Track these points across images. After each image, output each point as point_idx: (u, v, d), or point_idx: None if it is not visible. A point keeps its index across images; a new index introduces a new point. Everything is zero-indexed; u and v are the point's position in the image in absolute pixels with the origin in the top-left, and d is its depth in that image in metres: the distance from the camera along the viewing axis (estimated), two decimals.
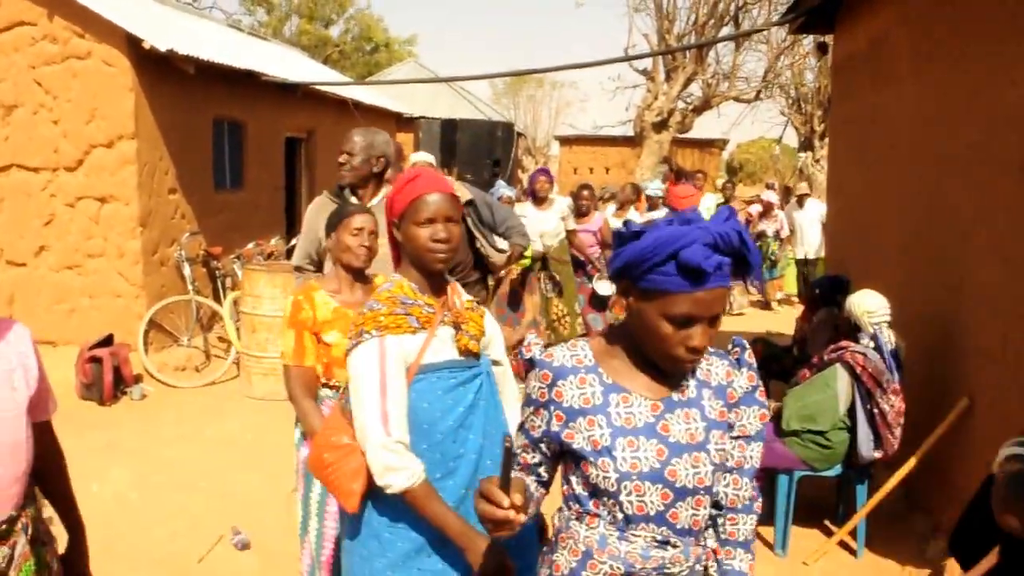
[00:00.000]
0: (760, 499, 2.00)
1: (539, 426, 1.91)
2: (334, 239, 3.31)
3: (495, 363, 2.56)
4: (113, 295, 8.10)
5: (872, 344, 4.53)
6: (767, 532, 4.79)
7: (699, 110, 20.25)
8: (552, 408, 1.88)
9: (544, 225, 7.95)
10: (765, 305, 13.51)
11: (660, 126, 19.39)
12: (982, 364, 4.26)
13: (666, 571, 1.84)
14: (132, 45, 7.80)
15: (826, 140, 18.54)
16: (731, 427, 1.92)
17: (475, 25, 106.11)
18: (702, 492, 1.84)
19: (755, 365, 1.99)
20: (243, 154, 10.43)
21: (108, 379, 7.21)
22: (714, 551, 1.97)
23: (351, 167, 4.20)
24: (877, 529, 4.69)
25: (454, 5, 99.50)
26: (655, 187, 11.47)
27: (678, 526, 1.82)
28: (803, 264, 13.58)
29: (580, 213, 8.67)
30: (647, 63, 19.64)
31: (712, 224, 1.73)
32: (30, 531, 2.08)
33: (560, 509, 1.97)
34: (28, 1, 7.86)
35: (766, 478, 4.69)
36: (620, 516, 1.81)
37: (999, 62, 4.19)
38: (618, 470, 1.79)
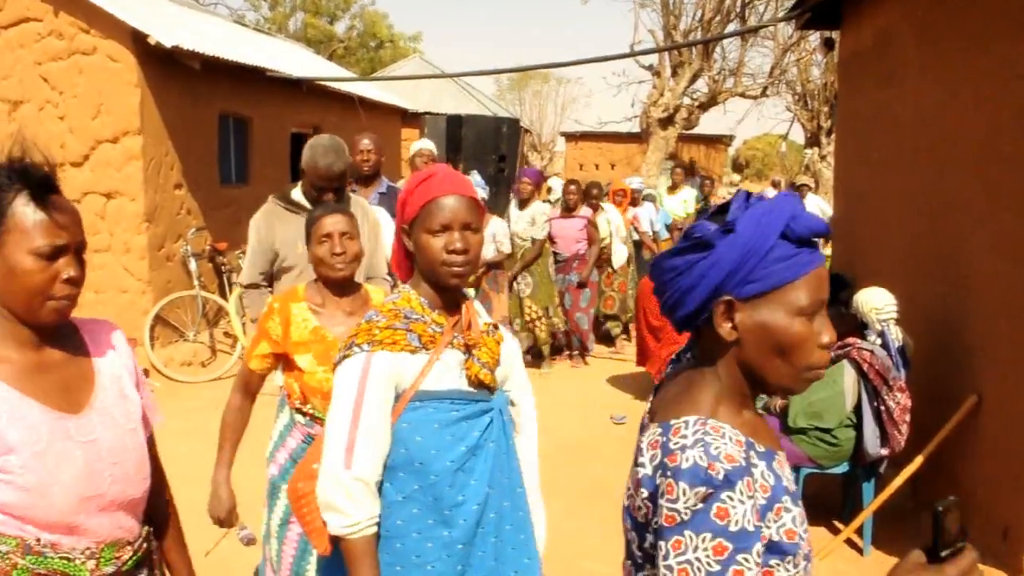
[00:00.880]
0: None
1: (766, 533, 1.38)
2: (310, 252, 2.91)
3: (511, 403, 2.20)
4: (119, 290, 8.11)
5: (879, 341, 4.51)
6: None
7: (705, 106, 20.20)
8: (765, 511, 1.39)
9: (516, 226, 8.01)
10: None
11: (666, 122, 19.35)
12: (990, 362, 4.25)
13: None
14: (137, 41, 7.80)
15: (832, 136, 18.51)
16: None
17: (480, 21, 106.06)
18: None
19: None
20: (248, 149, 10.44)
21: None
22: None
23: (340, 195, 3.83)
24: (884, 527, 4.68)
25: (459, 1, 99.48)
26: (635, 182, 11.51)
27: None
28: None
29: (567, 208, 8.67)
30: (653, 59, 19.61)
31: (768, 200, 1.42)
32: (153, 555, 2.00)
33: None
34: None
35: None
36: None
37: (1005, 57, 4.17)
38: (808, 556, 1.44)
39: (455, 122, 14.33)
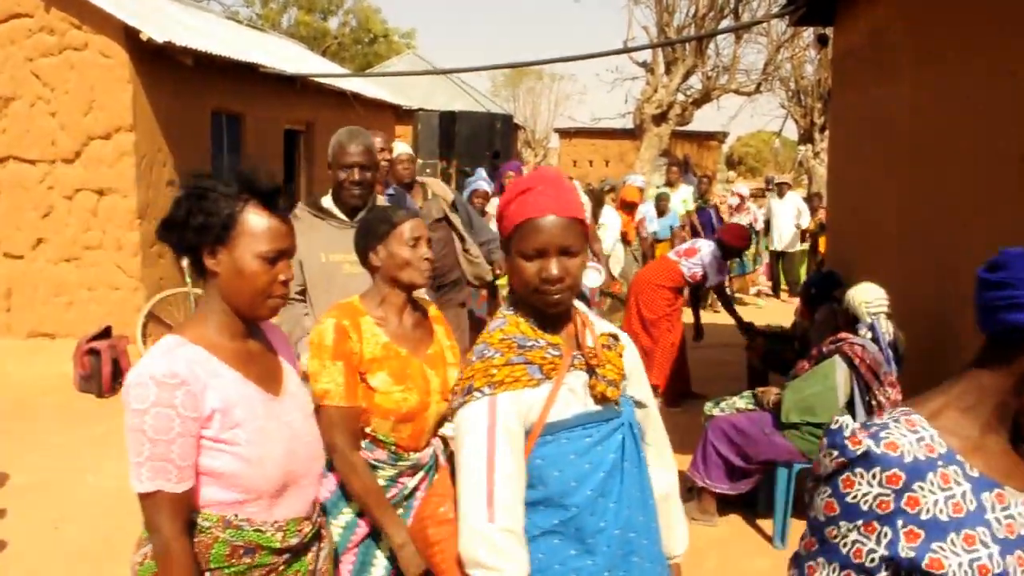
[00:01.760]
0: None
1: (872, 549, 1.37)
2: (384, 254, 2.64)
3: (638, 404, 2.07)
4: (111, 287, 8.09)
5: (870, 335, 4.52)
6: (766, 524, 4.78)
7: (699, 103, 20.20)
8: (900, 522, 1.35)
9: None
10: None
11: (660, 119, 19.35)
12: None
13: None
14: (129, 37, 7.78)
15: (826, 133, 18.53)
16: None
17: (474, 18, 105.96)
18: None
19: None
20: (242, 147, 10.41)
21: (107, 371, 7.21)
22: None
23: (368, 184, 3.63)
24: None
25: None
26: (639, 181, 11.04)
27: None
28: (777, 257, 13.47)
29: None
30: (647, 55, 19.60)
31: None
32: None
33: None
34: None
35: (765, 471, 4.69)
36: None
37: (999, 54, 4.17)
38: None
39: (449, 119, 14.32)
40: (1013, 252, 1.45)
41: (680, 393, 7.22)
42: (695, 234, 11.77)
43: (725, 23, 18.90)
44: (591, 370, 1.89)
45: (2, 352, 7.93)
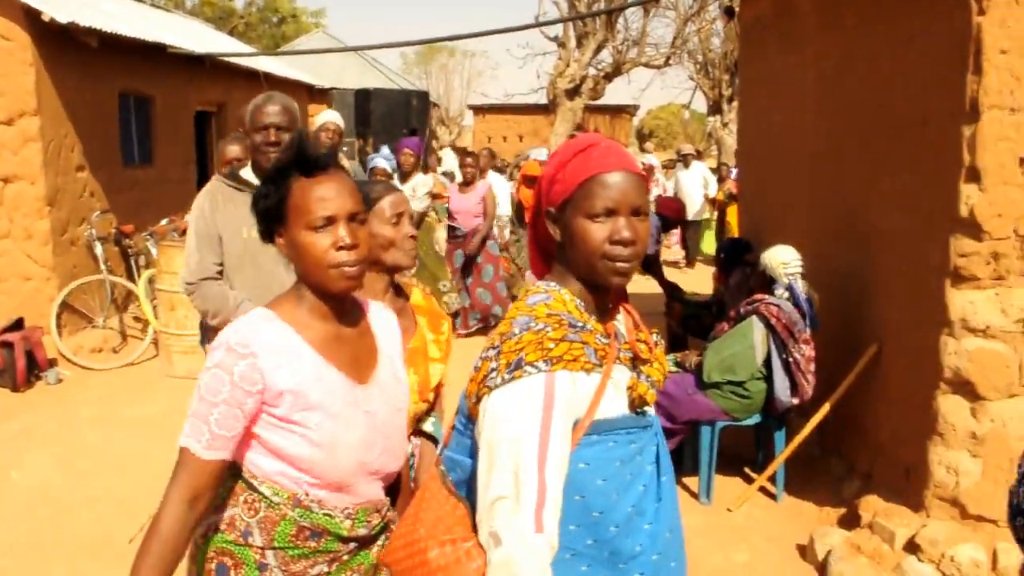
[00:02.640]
0: None
1: None
2: (375, 234, 2.38)
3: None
4: (22, 278, 7.83)
5: (787, 295, 4.72)
6: (691, 481, 4.96)
7: (610, 76, 20.43)
8: None
9: None
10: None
11: (572, 93, 19.52)
12: (890, 312, 4.48)
13: None
14: (31, 18, 7.50)
15: (734, 104, 18.94)
16: None
17: None
18: None
19: None
20: (151, 129, 10.17)
21: (20, 364, 7.00)
22: None
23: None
24: (795, 474, 4.91)
25: None
26: (540, 154, 11.25)
27: None
28: (685, 226, 13.71)
29: (465, 182, 8.65)
30: (558, 30, 19.72)
31: None
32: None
33: None
34: None
35: (690, 430, 4.86)
36: None
37: (899, 24, 4.37)
38: None
39: (364, 96, 14.19)
40: None
41: None
42: None
43: None
44: (634, 367, 1.66)
45: None
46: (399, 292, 2.55)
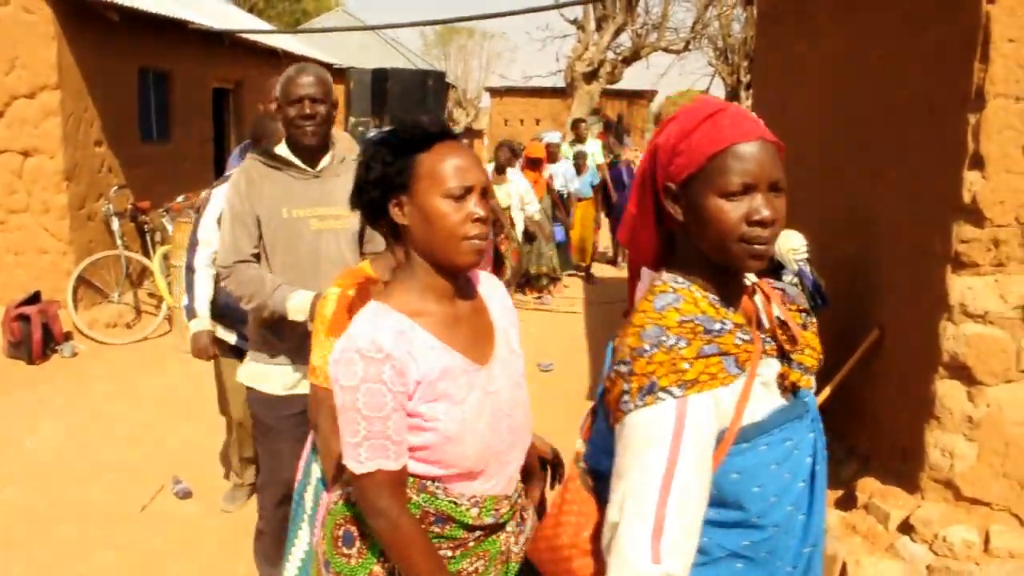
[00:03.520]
0: None
1: None
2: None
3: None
4: (39, 251, 7.95)
5: (796, 280, 4.75)
6: None
7: (628, 61, 20.39)
8: None
9: None
10: (612, 261, 13.14)
11: (590, 76, 19.48)
12: (892, 297, 4.50)
13: None
14: None
15: (751, 91, 18.85)
16: None
17: None
18: None
19: None
20: (170, 105, 10.26)
21: (37, 337, 7.13)
22: None
23: (321, 119, 3.15)
24: None
25: None
26: (554, 137, 11.32)
27: None
28: None
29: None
30: (577, 13, 19.65)
31: None
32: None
33: None
34: None
35: None
36: None
37: (914, 8, 4.38)
38: None
39: (380, 76, 14.18)
40: None
41: None
42: (606, 189, 11.95)
43: None
44: (783, 355, 1.54)
45: None
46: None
